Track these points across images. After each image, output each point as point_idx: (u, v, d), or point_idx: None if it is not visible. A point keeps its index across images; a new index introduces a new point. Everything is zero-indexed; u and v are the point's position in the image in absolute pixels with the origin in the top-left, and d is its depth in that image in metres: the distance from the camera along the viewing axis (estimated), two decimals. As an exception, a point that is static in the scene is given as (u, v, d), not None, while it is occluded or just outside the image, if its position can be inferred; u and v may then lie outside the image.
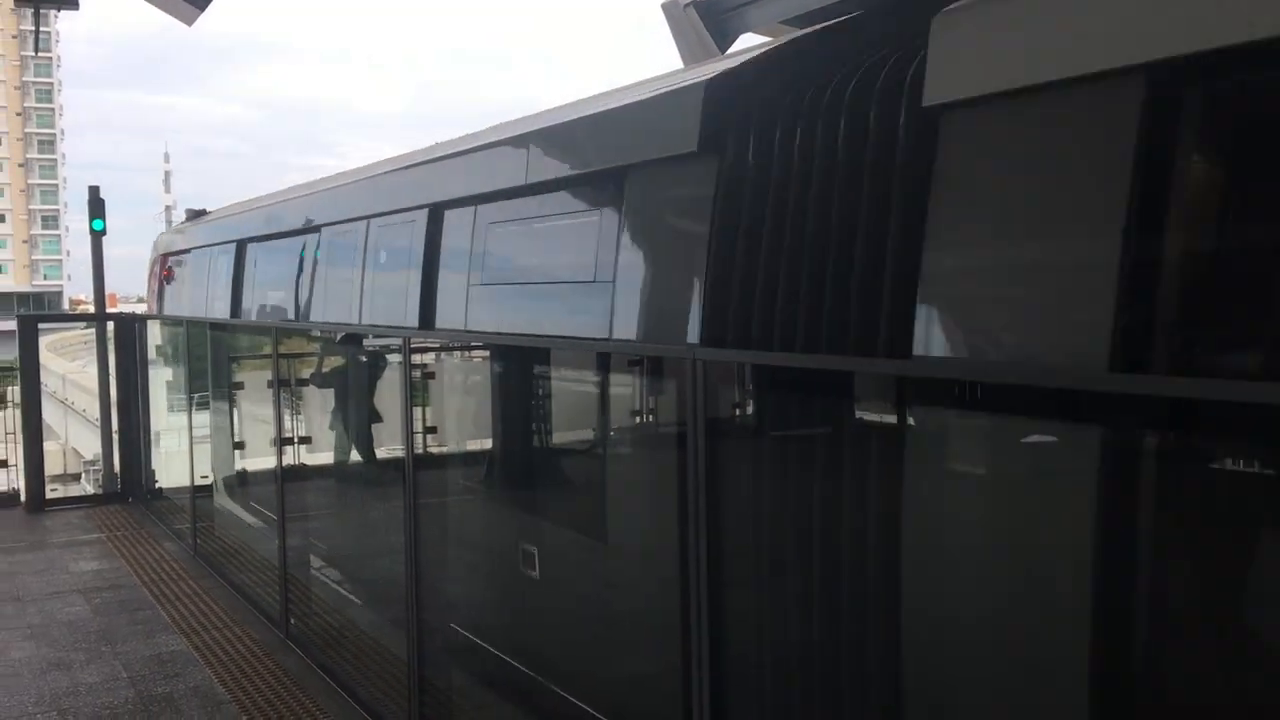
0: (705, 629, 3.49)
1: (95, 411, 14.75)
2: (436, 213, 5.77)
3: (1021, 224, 2.66)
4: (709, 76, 3.85)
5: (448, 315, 5.62)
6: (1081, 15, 2.48)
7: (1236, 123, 2.36)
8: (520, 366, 5.36)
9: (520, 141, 5.11)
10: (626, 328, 4.13)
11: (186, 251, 11.43)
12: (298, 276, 7.96)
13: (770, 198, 3.41)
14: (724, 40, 13.18)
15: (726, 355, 3.54)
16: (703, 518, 3.47)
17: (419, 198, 6.00)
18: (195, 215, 12.00)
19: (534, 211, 4.94)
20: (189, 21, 14.34)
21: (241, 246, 9.43)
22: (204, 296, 10.47)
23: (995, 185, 2.75)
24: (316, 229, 7.66)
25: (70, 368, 33.50)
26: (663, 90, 4.28)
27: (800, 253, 3.27)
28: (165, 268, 12.17)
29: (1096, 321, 2.38)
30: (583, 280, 4.47)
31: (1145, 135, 2.33)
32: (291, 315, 8.10)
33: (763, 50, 4.08)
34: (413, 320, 5.82)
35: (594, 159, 4.55)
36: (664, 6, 13.40)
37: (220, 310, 9.76)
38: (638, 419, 4.58)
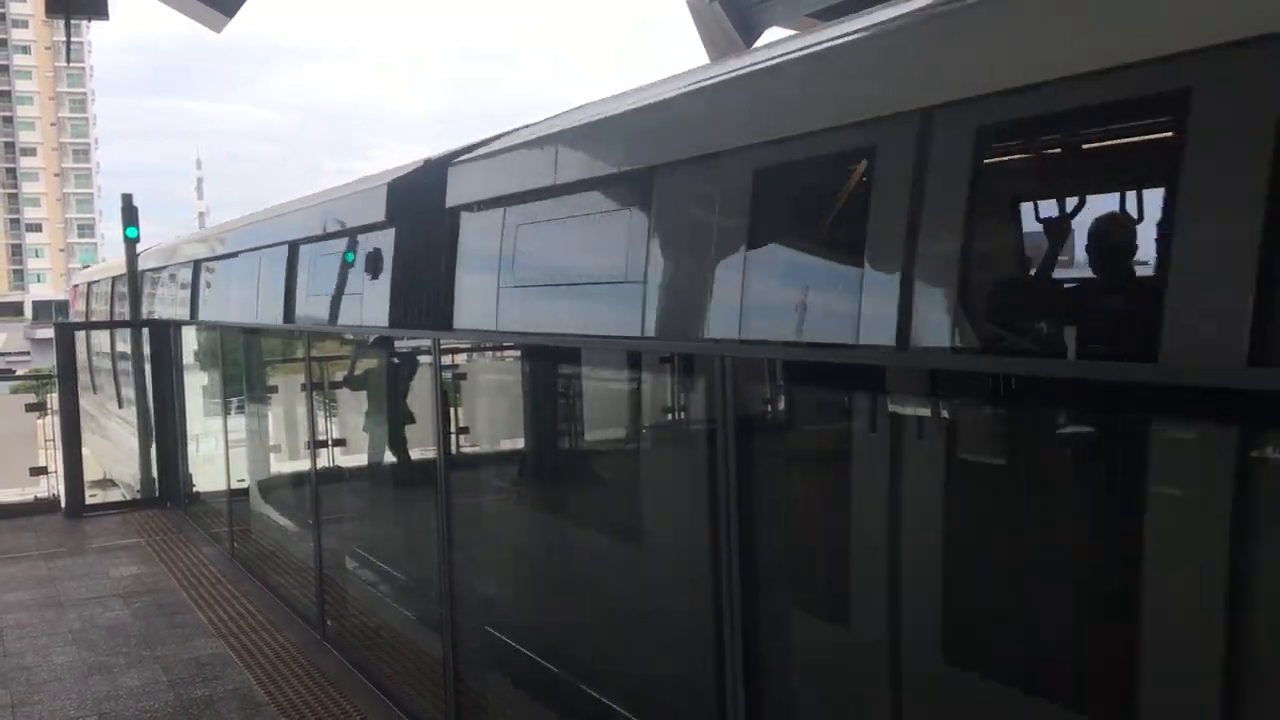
0: (738, 630, 3.45)
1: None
2: None
3: None
4: None
5: None
6: None
7: None
8: (556, 366, 5.32)
9: None
10: None
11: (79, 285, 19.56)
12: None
13: None
14: (749, 35, 13.10)
15: (756, 353, 3.50)
16: (734, 517, 3.44)
17: None
18: (84, 267, 20.23)
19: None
20: (218, 29, 14.48)
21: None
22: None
23: None
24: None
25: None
26: None
27: None
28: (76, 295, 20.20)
29: None
30: None
31: None
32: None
33: None
34: None
35: None
36: (689, 1, 13.33)
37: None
38: (672, 417, 4.55)
